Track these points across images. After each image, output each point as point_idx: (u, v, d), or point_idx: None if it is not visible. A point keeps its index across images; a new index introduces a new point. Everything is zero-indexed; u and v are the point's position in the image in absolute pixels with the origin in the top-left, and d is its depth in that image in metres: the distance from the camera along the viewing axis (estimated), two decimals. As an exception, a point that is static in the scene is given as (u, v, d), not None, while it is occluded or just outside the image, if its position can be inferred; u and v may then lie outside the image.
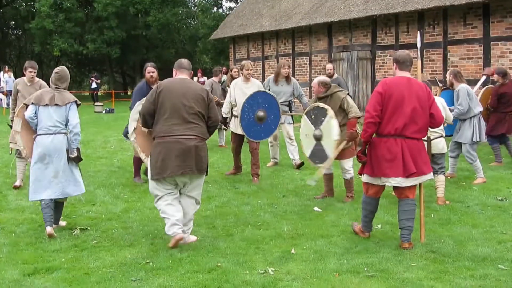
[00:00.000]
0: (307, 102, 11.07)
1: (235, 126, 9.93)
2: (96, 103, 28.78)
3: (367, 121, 5.84)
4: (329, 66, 12.87)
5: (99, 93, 45.03)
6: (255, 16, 25.05)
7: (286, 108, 10.84)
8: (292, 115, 11.17)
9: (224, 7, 44.89)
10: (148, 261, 5.69)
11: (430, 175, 6.17)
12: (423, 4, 16.51)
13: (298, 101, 11.50)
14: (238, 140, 10.22)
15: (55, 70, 6.88)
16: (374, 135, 5.99)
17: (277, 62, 23.00)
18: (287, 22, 22.19)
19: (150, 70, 9.21)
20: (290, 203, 8.16)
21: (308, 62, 21.75)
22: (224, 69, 28.31)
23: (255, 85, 10.04)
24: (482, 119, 9.61)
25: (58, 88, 6.74)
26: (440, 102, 8.26)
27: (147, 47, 39.72)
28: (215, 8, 43.01)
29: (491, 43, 15.41)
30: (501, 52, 15.19)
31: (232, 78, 11.51)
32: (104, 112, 26.77)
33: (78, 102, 6.83)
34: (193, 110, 6.05)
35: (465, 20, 16.05)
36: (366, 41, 19.16)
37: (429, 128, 7.94)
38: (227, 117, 10.25)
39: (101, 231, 6.81)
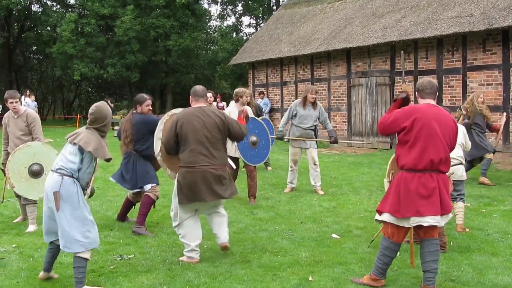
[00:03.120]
0: (332, 129, 11.10)
1: (233, 150, 9.94)
2: (115, 128, 28.90)
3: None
4: None
5: (118, 117, 45.33)
6: (274, 42, 25.19)
7: (312, 133, 10.91)
8: (317, 141, 11.20)
9: (243, 32, 45.20)
10: (165, 287, 5.69)
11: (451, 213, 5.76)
12: (442, 31, 16.52)
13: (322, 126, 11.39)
14: (234, 164, 10.27)
15: (90, 110, 5.89)
16: (404, 170, 5.46)
17: (296, 87, 23.15)
18: (306, 48, 22.27)
19: (149, 104, 8.18)
20: (308, 229, 8.13)
21: (327, 88, 21.76)
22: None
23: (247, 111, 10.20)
24: None
25: (89, 128, 5.83)
26: (461, 129, 8.24)
27: (166, 72, 40.00)
28: (234, 33, 43.27)
29: (511, 69, 15.35)
30: (521, 78, 15.14)
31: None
32: (123, 136, 26.87)
33: (90, 150, 5.64)
34: (215, 139, 6.54)
35: (485, 46, 16.02)
36: (385, 67, 19.16)
37: None
38: None
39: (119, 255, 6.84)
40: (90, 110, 5.89)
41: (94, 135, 5.76)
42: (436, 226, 5.50)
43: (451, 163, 7.90)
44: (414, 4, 19.15)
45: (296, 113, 10.87)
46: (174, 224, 6.78)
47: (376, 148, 19.10)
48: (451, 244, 7.28)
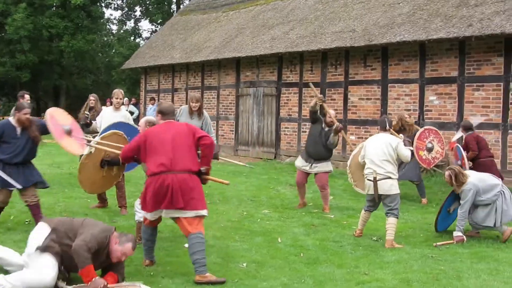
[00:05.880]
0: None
1: None
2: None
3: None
4: None
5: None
6: (167, 47, 24.97)
7: None
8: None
9: (142, 38, 44.67)
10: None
11: (204, 212, 6.40)
12: (325, 44, 16.84)
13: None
14: None
15: None
16: (149, 176, 6.43)
17: (187, 94, 22.98)
18: (197, 55, 22.19)
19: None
20: (163, 238, 7.99)
21: (216, 96, 21.76)
22: (133, 99, 28.13)
23: (121, 115, 9.96)
24: None
25: None
26: (388, 142, 8.30)
27: (60, 74, 38.89)
28: (132, 37, 42.72)
29: (389, 85, 15.84)
30: (398, 94, 15.63)
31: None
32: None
33: None
34: None
35: (365, 61, 16.46)
36: (272, 78, 19.37)
37: (374, 170, 8.17)
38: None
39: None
40: None
41: None
42: (193, 221, 6.29)
43: (378, 177, 8.01)
44: (303, 17, 19.46)
45: (178, 120, 10.40)
46: None
47: (261, 158, 19.24)
48: (301, 255, 7.36)
